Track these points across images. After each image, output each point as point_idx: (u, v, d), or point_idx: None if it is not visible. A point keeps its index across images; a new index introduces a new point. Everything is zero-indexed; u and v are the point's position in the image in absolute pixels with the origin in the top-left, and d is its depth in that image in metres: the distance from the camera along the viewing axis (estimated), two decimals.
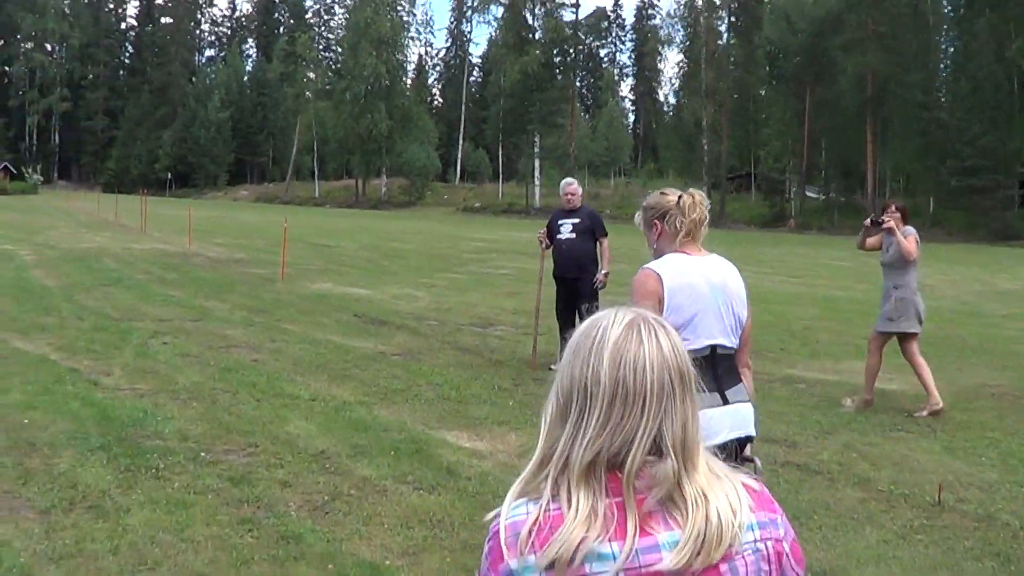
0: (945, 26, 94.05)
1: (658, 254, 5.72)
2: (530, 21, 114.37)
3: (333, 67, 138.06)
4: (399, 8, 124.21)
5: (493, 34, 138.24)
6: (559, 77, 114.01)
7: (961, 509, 8.95)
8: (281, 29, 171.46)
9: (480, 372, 14.76)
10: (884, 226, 12.95)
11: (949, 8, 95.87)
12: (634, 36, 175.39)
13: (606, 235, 15.43)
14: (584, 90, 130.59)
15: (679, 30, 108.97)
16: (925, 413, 12.91)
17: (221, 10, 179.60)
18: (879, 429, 12.07)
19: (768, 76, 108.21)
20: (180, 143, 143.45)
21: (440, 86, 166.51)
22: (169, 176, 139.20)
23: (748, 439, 5.66)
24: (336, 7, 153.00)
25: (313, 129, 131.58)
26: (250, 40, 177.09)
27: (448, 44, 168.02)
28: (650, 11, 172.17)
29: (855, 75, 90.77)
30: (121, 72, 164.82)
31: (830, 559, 7.58)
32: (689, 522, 2.22)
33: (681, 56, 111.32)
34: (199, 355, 15.08)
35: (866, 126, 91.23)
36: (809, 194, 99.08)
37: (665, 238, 5.71)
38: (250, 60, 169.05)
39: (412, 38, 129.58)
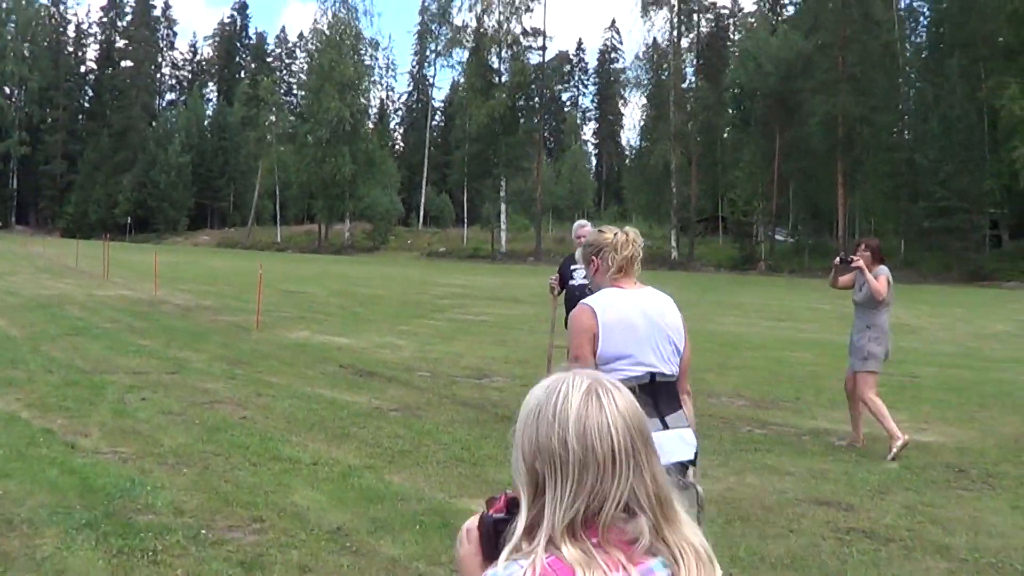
0: (914, 68, 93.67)
1: (596, 288, 6.10)
2: (496, 64, 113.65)
3: (296, 110, 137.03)
4: (362, 52, 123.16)
5: (456, 78, 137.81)
6: (525, 121, 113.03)
7: None
8: (242, 73, 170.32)
9: (488, 429, 13.71)
10: (853, 264, 13.12)
11: (920, 49, 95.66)
12: (597, 80, 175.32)
13: None
14: (547, 134, 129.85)
15: (647, 73, 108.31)
16: (845, 443, 13.37)
17: (182, 53, 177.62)
18: (934, 487, 11.30)
19: (736, 118, 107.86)
20: (140, 187, 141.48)
21: (402, 130, 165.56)
22: (129, 221, 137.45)
23: (690, 463, 5.86)
24: (298, 50, 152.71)
25: (275, 173, 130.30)
26: (211, 84, 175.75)
27: (410, 88, 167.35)
28: (613, 55, 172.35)
29: (825, 117, 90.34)
30: (80, 116, 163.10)
31: None
32: (683, 565, 2.28)
33: (646, 100, 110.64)
34: (182, 412, 13.99)
35: (836, 168, 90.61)
36: (778, 236, 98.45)
37: (601, 273, 6.06)
38: (211, 104, 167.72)
39: (375, 82, 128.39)
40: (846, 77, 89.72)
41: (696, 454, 5.99)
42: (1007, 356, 26.16)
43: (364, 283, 51.86)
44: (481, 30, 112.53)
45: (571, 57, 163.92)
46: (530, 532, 2.31)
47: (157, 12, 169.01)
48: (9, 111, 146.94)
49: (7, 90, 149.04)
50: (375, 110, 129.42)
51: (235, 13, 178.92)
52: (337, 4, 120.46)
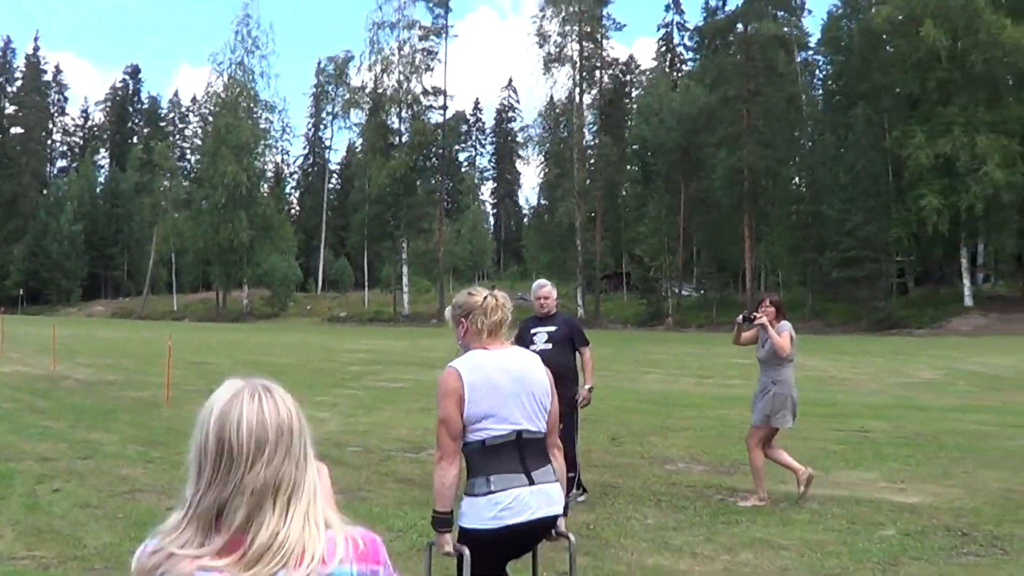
0: (817, 120, 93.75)
1: (464, 349, 6.16)
2: (396, 125, 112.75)
3: (191, 175, 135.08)
4: (257, 114, 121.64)
5: (353, 140, 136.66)
6: (423, 182, 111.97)
7: None
8: (135, 138, 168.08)
9: (428, 503, 12.48)
10: (756, 322, 13.08)
11: (822, 101, 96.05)
12: (495, 139, 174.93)
13: (587, 344, 13.41)
14: (446, 194, 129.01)
15: (548, 131, 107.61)
16: (750, 503, 13.00)
17: (73, 119, 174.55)
18: (940, 554, 10.45)
19: (639, 174, 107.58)
20: (31, 257, 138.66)
21: (298, 194, 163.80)
22: (21, 292, 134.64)
23: (559, 516, 6.11)
24: (191, 115, 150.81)
25: (171, 240, 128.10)
26: (103, 150, 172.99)
27: (306, 151, 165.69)
28: (510, 114, 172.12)
29: (730, 171, 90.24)
30: None
31: None
32: (251, 555, 2.57)
33: (543, 157, 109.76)
34: (102, 504, 12.69)
35: (743, 221, 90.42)
36: (683, 291, 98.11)
37: (470, 335, 6.14)
38: (103, 170, 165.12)
39: (270, 145, 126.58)
40: (750, 130, 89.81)
41: (566, 507, 6.28)
42: (947, 405, 25.48)
43: (269, 351, 50.35)
44: (380, 90, 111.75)
45: (468, 117, 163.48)
46: (183, 519, 2.67)
47: (48, 77, 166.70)
48: None
49: None
50: (271, 174, 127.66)
51: (127, 77, 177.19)
52: (232, 66, 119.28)
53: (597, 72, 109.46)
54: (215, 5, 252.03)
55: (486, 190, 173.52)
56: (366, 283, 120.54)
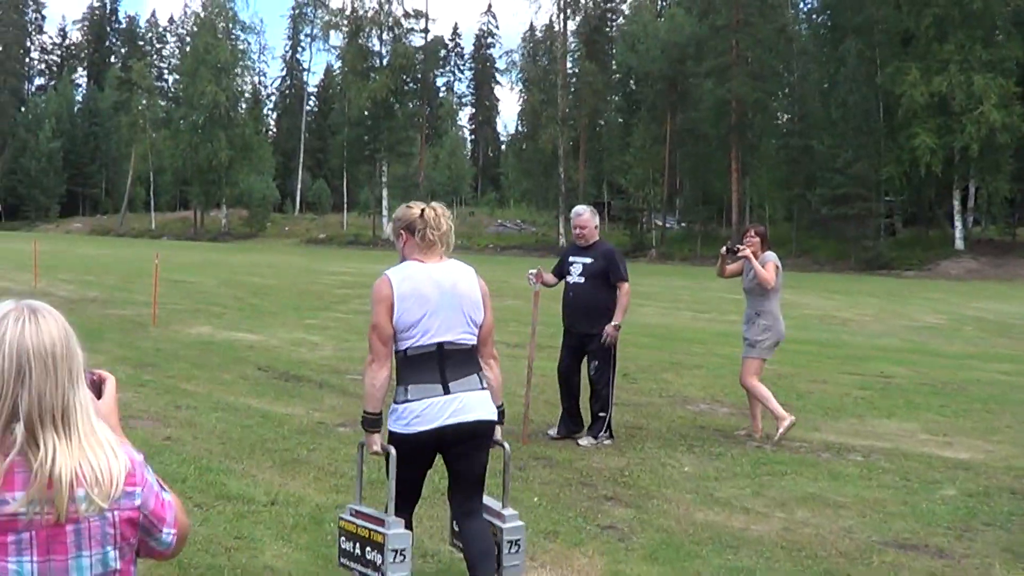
0: (808, 54, 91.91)
1: (402, 260, 6.49)
2: (376, 47, 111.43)
3: (169, 95, 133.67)
4: (236, 35, 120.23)
5: (332, 63, 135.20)
6: (401, 106, 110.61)
7: None
8: (113, 57, 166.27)
9: None
10: (740, 254, 12.86)
11: (814, 34, 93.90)
12: (473, 65, 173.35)
13: (624, 279, 12.47)
14: (425, 118, 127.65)
15: (532, 57, 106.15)
16: (743, 433, 13.09)
17: (51, 37, 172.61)
18: (1013, 520, 9.56)
19: (624, 103, 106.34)
20: (9, 174, 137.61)
21: (275, 116, 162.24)
22: None
23: (482, 424, 6.35)
24: (169, 35, 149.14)
25: (149, 159, 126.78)
26: (80, 69, 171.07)
27: (283, 73, 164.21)
28: (489, 39, 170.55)
29: (718, 102, 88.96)
30: None
31: None
32: (35, 482, 2.63)
33: (524, 84, 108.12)
34: None
35: (729, 154, 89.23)
36: (658, 222, 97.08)
37: (410, 246, 6.45)
38: (81, 89, 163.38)
39: (248, 67, 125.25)
40: (740, 61, 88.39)
41: (503, 413, 6.64)
42: (961, 352, 24.53)
43: (251, 271, 49.27)
44: (360, 12, 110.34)
45: (447, 42, 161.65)
46: None
47: None
48: None
49: None
50: (249, 95, 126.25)
51: None
52: None
53: None
54: None
55: (464, 116, 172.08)
56: (345, 206, 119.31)
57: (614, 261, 12.48)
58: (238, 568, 7.40)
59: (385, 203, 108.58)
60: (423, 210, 6.54)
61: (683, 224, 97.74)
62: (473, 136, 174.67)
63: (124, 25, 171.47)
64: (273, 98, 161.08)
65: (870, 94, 78.53)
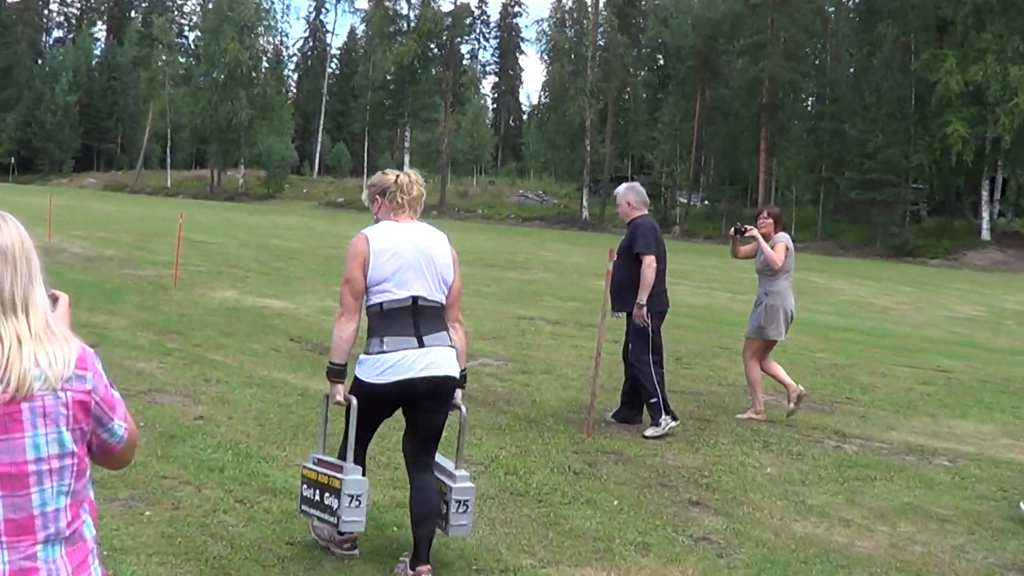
0: (844, 36, 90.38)
1: (376, 222, 6.85)
2: (404, 10, 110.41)
3: (190, 51, 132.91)
4: None
5: (356, 25, 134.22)
6: (423, 72, 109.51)
7: None
8: (132, 12, 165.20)
9: (521, 439, 10.76)
10: (748, 234, 12.85)
11: (850, 17, 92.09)
12: (498, 34, 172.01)
13: (642, 252, 11.67)
14: (450, 85, 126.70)
15: (562, 27, 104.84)
16: (792, 403, 12.77)
17: None
18: None
19: (655, 77, 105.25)
20: (25, 127, 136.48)
21: (296, 77, 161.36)
22: (12, 161, 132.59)
23: (449, 380, 6.60)
24: None
25: (167, 116, 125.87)
26: (100, 22, 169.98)
27: (306, 35, 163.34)
28: (515, 8, 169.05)
29: (750, 80, 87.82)
30: None
31: None
32: None
33: (552, 54, 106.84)
34: None
35: (759, 134, 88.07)
36: (682, 199, 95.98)
37: (384, 210, 6.85)
38: (100, 43, 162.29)
39: (270, 26, 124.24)
40: (775, 40, 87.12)
41: (464, 376, 6.82)
42: (1012, 347, 23.59)
43: (272, 234, 48.34)
44: None
45: (473, 9, 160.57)
46: None
47: None
48: None
49: None
50: (270, 55, 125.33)
51: None
52: None
53: None
54: None
55: (487, 85, 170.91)
56: (365, 170, 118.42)
57: (636, 233, 11.79)
58: None
59: (407, 168, 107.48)
60: (397, 176, 6.90)
61: (707, 202, 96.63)
62: (495, 105, 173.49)
63: None
64: (295, 59, 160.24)
65: (904, 80, 77.21)
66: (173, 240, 25.55)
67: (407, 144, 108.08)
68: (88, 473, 3.04)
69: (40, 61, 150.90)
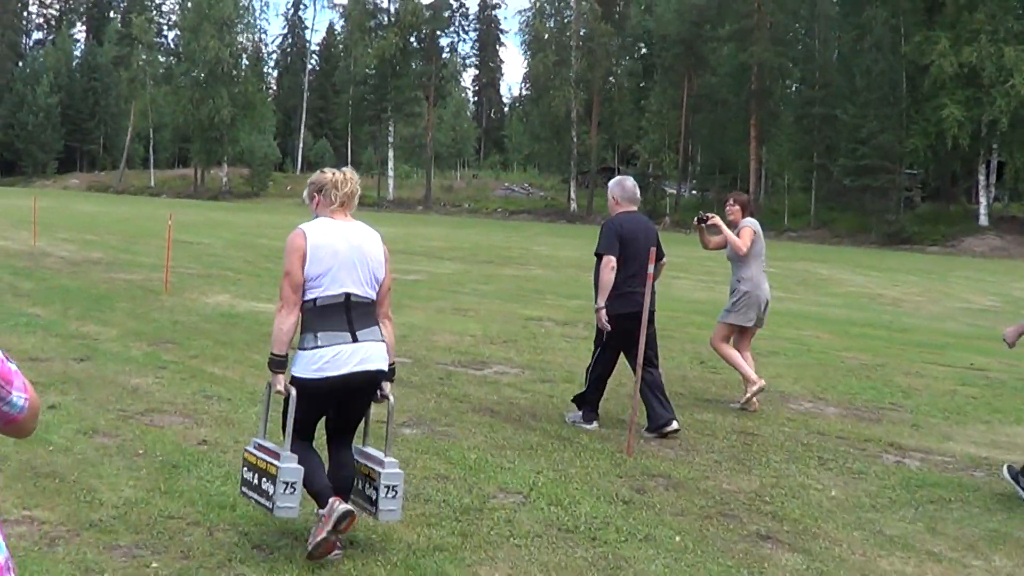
0: (832, 20, 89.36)
1: (315, 218, 6.93)
2: (384, 3, 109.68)
3: (170, 50, 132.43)
4: None
5: (335, 20, 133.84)
6: (403, 65, 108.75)
7: None
8: (111, 12, 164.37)
9: (557, 461, 9.77)
10: (708, 223, 12.74)
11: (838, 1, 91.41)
12: (478, 26, 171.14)
13: (600, 251, 11.35)
14: (432, 78, 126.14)
15: (544, 17, 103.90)
16: (751, 393, 12.52)
17: None
18: None
19: (639, 66, 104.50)
20: (6, 129, 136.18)
21: (276, 74, 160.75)
22: None
23: (381, 374, 6.88)
24: None
25: (149, 115, 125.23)
26: (79, 24, 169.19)
27: (285, 31, 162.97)
28: (494, 0, 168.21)
29: (738, 67, 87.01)
30: None
31: None
32: None
33: (534, 45, 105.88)
34: (113, 431, 9.79)
35: (748, 121, 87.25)
36: (671, 190, 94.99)
37: (322, 207, 6.96)
38: (79, 44, 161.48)
39: (249, 23, 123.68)
40: (762, 25, 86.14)
41: (392, 369, 7.07)
42: None
43: (258, 233, 47.28)
44: None
45: (451, 2, 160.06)
46: None
47: None
48: None
49: None
50: (250, 52, 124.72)
51: None
52: None
53: None
54: None
55: (467, 78, 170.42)
56: (348, 166, 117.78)
57: (600, 231, 11.48)
58: None
59: (391, 164, 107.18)
60: (334, 174, 7.03)
61: (695, 192, 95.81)
62: (476, 98, 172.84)
63: None
64: (274, 56, 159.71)
65: (896, 63, 76.27)
66: (159, 242, 24.70)
67: (391, 139, 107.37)
68: None
69: (20, 63, 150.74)
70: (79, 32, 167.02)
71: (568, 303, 23.10)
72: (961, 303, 31.34)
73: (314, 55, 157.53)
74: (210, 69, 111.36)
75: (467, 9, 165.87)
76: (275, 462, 6.71)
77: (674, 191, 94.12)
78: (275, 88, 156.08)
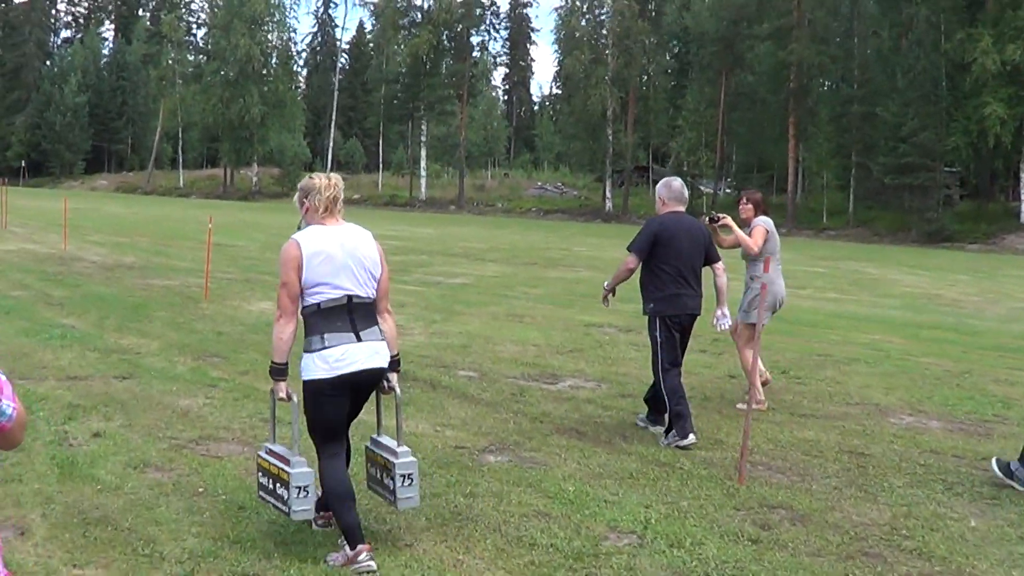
0: (870, 17, 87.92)
1: (306, 225, 7.00)
2: (419, 1, 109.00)
3: (199, 49, 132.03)
4: None
5: (365, 19, 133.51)
6: (434, 63, 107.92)
7: None
8: (140, 10, 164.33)
9: (663, 491, 8.75)
10: (720, 223, 12.52)
11: None
12: (508, 24, 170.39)
13: (629, 247, 11.16)
14: (465, 77, 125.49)
15: (579, 15, 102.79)
16: (742, 406, 12.13)
17: None
18: None
19: (676, 64, 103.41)
20: (34, 129, 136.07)
21: (305, 73, 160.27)
22: (23, 164, 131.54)
23: (383, 371, 6.96)
24: None
25: (178, 114, 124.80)
26: (107, 22, 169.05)
27: (314, 30, 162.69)
28: None
29: (776, 65, 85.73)
30: None
31: None
32: None
33: (568, 43, 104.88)
34: (166, 465, 8.80)
35: (787, 119, 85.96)
36: (708, 189, 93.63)
37: (311, 213, 6.94)
38: (107, 43, 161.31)
39: (280, 21, 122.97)
40: (802, 22, 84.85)
41: (398, 362, 7.18)
42: None
43: (292, 234, 46.22)
44: None
45: (482, 1, 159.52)
46: None
47: None
48: None
49: None
50: (280, 50, 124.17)
51: None
52: None
53: None
54: None
55: (497, 77, 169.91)
56: (380, 166, 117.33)
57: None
58: None
59: (423, 163, 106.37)
60: (320, 179, 7.00)
61: (731, 191, 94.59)
62: (507, 97, 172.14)
63: None
64: (303, 55, 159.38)
65: (936, 60, 74.93)
66: (193, 244, 23.87)
67: (423, 138, 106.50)
68: None
69: (48, 62, 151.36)
70: (107, 30, 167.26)
71: (625, 307, 21.94)
72: (1021, 303, 30.17)
73: (344, 53, 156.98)
74: (240, 67, 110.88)
75: (498, 7, 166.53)
76: (286, 468, 6.80)
77: (710, 190, 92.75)
78: (304, 87, 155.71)
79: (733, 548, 7.30)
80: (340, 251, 6.74)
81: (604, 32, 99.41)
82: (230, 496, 7.92)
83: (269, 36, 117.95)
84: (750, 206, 12.93)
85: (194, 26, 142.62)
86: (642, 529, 7.58)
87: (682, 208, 11.30)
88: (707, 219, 12.49)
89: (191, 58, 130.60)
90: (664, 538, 7.40)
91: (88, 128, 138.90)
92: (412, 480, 7.11)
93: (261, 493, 7.19)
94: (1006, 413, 12.76)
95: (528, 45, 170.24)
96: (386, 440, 7.41)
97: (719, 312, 11.24)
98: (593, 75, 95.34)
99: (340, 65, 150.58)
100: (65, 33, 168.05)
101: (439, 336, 17.10)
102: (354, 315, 6.80)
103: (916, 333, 20.97)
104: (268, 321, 17.47)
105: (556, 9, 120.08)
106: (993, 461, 9.34)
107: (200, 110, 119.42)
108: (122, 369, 12.86)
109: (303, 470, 6.77)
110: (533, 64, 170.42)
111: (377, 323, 6.97)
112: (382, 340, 6.94)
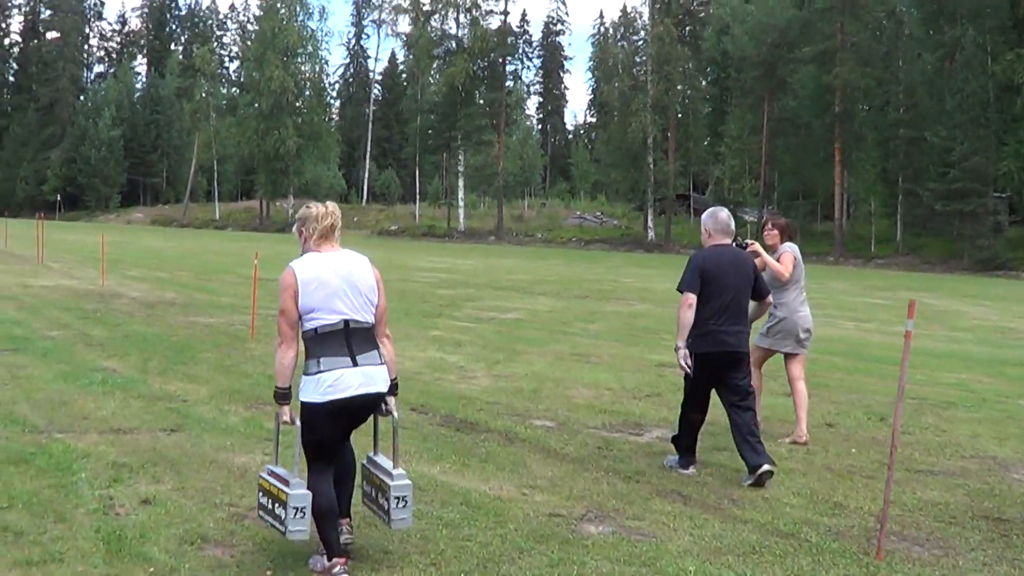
0: (916, 39, 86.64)
1: (305, 253, 7.12)
2: (453, 29, 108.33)
3: (233, 81, 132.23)
4: (303, 18, 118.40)
5: (397, 50, 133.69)
6: (476, 91, 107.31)
7: None
8: (173, 44, 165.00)
9: (796, 570, 7.59)
10: (749, 249, 11.95)
11: (924, 19, 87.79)
12: (542, 53, 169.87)
13: (679, 287, 10.59)
14: (502, 105, 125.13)
15: (621, 41, 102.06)
16: (787, 441, 12.18)
17: (110, 24, 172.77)
18: None
19: (716, 90, 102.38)
20: (69, 163, 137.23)
21: (338, 104, 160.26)
22: (58, 198, 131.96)
23: (381, 396, 7.08)
24: (230, 21, 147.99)
25: (213, 147, 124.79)
26: (140, 56, 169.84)
27: (347, 61, 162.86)
28: (558, 27, 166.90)
29: (820, 89, 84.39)
30: (5, 90, 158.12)
31: None
32: None
33: (604, 70, 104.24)
34: (228, 542, 7.71)
35: (832, 145, 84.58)
36: (751, 217, 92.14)
37: (308, 240, 7.12)
38: (141, 77, 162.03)
39: (313, 52, 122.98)
40: (846, 45, 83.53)
41: (396, 386, 7.34)
42: None
43: None
44: None
45: (515, 29, 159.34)
46: None
47: None
48: None
49: None
50: (314, 81, 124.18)
51: None
52: None
53: None
54: None
55: (531, 105, 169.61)
56: (417, 196, 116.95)
57: (685, 267, 10.78)
58: None
59: (461, 193, 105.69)
60: (317, 208, 7.18)
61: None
62: (541, 126, 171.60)
63: (183, 12, 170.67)
64: (336, 86, 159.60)
65: (986, 82, 73.64)
66: (234, 278, 22.91)
67: (461, 168, 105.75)
68: None
69: (82, 97, 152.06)
70: (140, 64, 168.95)
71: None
72: None
73: (377, 84, 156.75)
74: (275, 99, 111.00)
75: (531, 36, 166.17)
76: (285, 488, 6.85)
77: (753, 219, 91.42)
78: (338, 118, 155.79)
79: None
80: (334, 277, 6.91)
81: (643, 58, 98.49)
82: None
83: (303, 67, 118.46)
84: (776, 232, 12.73)
85: (227, 59, 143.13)
86: None
87: (728, 240, 10.85)
88: (734, 244, 11.55)
89: (224, 91, 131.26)
90: None
91: (123, 161, 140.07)
92: (407, 502, 7.26)
93: (260, 512, 7.26)
94: None
95: (561, 73, 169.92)
96: (382, 460, 7.53)
97: None
98: (632, 102, 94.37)
99: (374, 96, 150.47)
100: (98, 68, 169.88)
101: (505, 379, 16.01)
102: (351, 339, 6.92)
103: (1002, 371, 19.86)
104: None
105: (592, 35, 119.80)
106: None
107: (235, 142, 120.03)
108: (170, 420, 11.80)
109: (301, 492, 6.83)
110: (567, 92, 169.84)
111: (377, 347, 7.09)
112: (381, 364, 7.06)
